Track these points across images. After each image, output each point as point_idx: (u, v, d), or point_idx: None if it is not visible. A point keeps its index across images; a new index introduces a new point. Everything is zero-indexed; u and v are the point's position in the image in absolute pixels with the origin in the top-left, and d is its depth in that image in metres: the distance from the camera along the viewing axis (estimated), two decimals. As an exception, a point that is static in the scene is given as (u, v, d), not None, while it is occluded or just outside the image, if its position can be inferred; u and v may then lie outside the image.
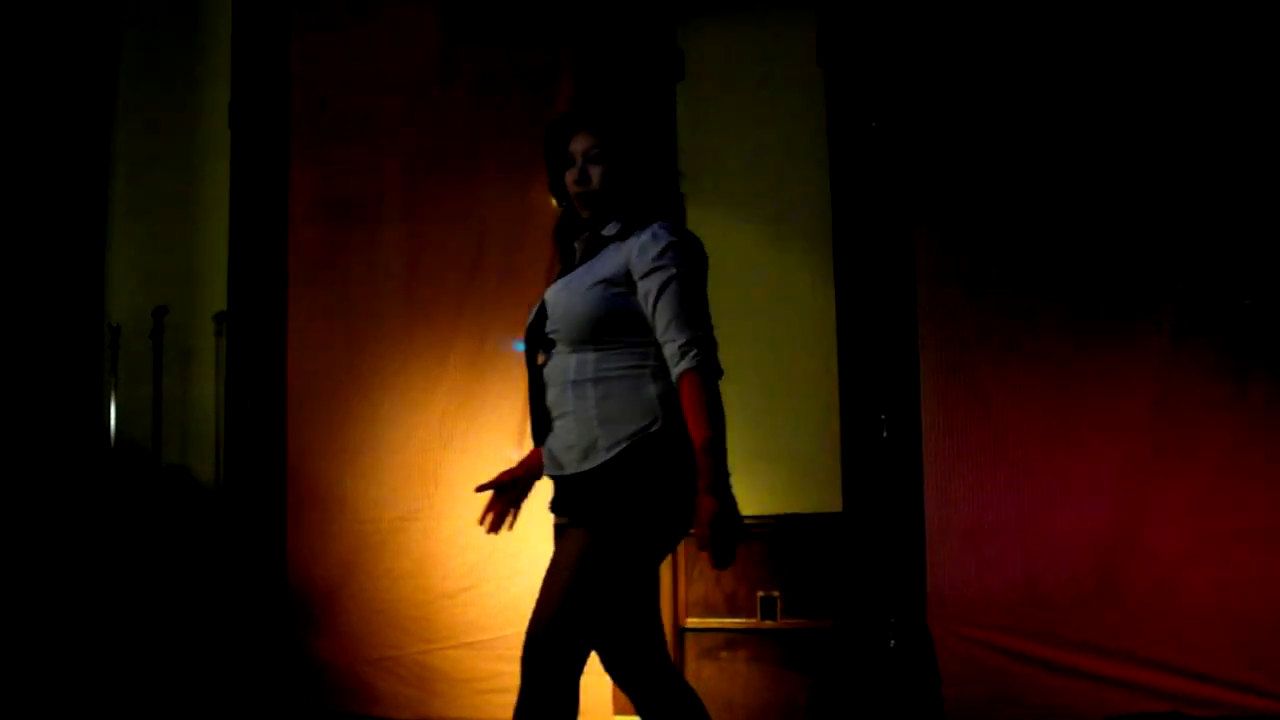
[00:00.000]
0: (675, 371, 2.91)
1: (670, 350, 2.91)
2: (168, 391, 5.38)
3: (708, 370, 2.91)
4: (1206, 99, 4.49)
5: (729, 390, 4.83)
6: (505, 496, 3.24)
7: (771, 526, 4.78)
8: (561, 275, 3.11)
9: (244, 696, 5.03)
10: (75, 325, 5.47)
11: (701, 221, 4.88)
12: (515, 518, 3.24)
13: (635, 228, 3.05)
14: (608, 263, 3.04)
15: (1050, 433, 4.55)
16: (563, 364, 3.01)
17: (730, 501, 2.86)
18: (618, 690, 4.73)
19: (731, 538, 2.85)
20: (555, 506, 3.08)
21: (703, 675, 4.79)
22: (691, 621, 4.83)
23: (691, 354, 2.89)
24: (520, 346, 4.85)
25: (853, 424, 4.72)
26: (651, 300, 2.96)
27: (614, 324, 2.98)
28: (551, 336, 3.02)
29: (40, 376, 5.31)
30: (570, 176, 3.05)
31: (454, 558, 4.81)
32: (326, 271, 5.17)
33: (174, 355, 5.39)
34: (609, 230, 3.07)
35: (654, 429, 2.90)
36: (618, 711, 4.78)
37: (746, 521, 4.68)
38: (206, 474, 5.36)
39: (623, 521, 2.88)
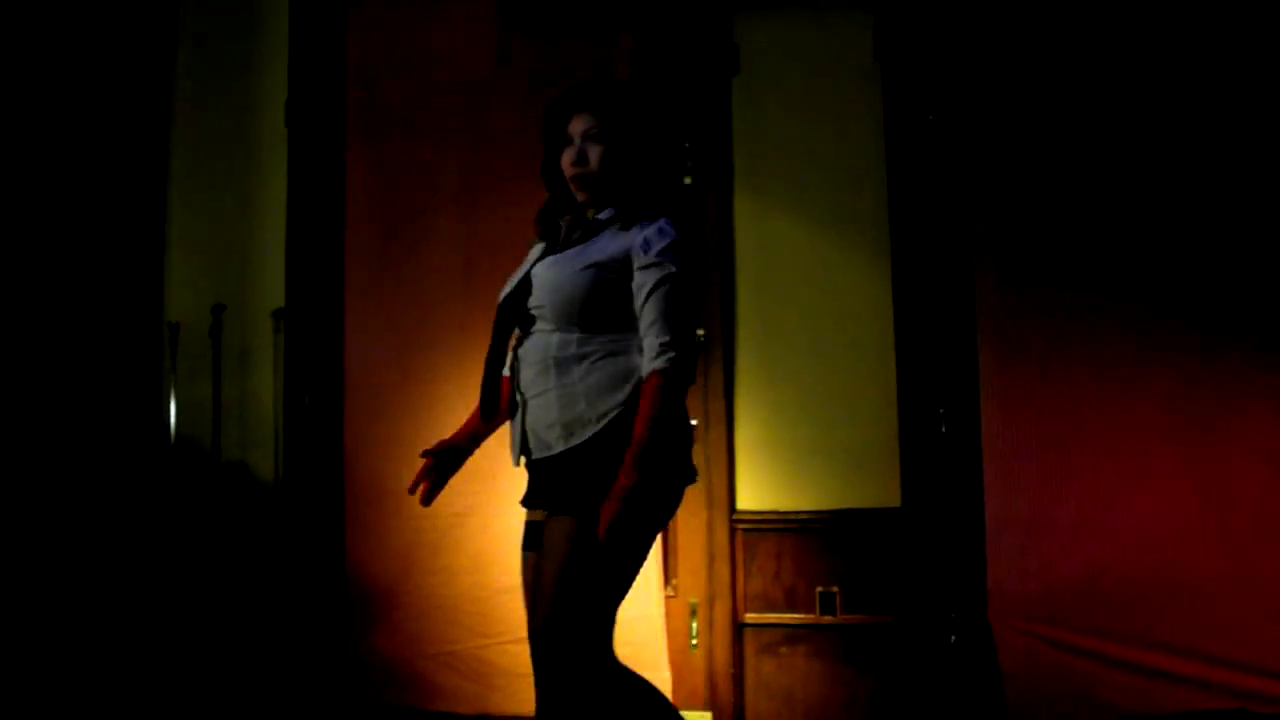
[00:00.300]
0: (647, 367, 2.98)
1: (649, 344, 2.99)
2: (226, 388, 5.40)
3: (676, 375, 2.96)
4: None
5: (788, 384, 4.88)
6: (442, 467, 3.28)
7: (830, 521, 4.78)
8: (547, 254, 3.14)
9: (304, 692, 5.06)
10: (135, 323, 5.51)
11: (757, 216, 4.96)
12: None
13: (637, 216, 3.08)
14: (604, 247, 3.07)
15: (1112, 427, 4.55)
16: (544, 342, 3.05)
17: (644, 484, 2.89)
18: (677, 684, 4.77)
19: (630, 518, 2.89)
20: (533, 498, 3.13)
21: (762, 670, 4.79)
22: (750, 617, 4.83)
23: (668, 355, 2.95)
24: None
25: (911, 418, 4.72)
26: (645, 293, 3.02)
27: (602, 307, 3.03)
28: (534, 313, 3.06)
29: (101, 374, 5.37)
30: (568, 157, 3.09)
31: (511, 553, 4.74)
32: (383, 268, 5.19)
33: (232, 352, 5.41)
34: (604, 215, 3.09)
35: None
36: (677, 707, 4.80)
37: (804, 516, 4.75)
38: (266, 470, 5.39)
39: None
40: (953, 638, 4.57)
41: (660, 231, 3.06)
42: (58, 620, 4.85)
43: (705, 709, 4.84)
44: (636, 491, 2.86)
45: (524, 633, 3.11)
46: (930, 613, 4.61)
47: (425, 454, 3.25)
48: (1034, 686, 4.47)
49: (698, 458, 4.81)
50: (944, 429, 4.66)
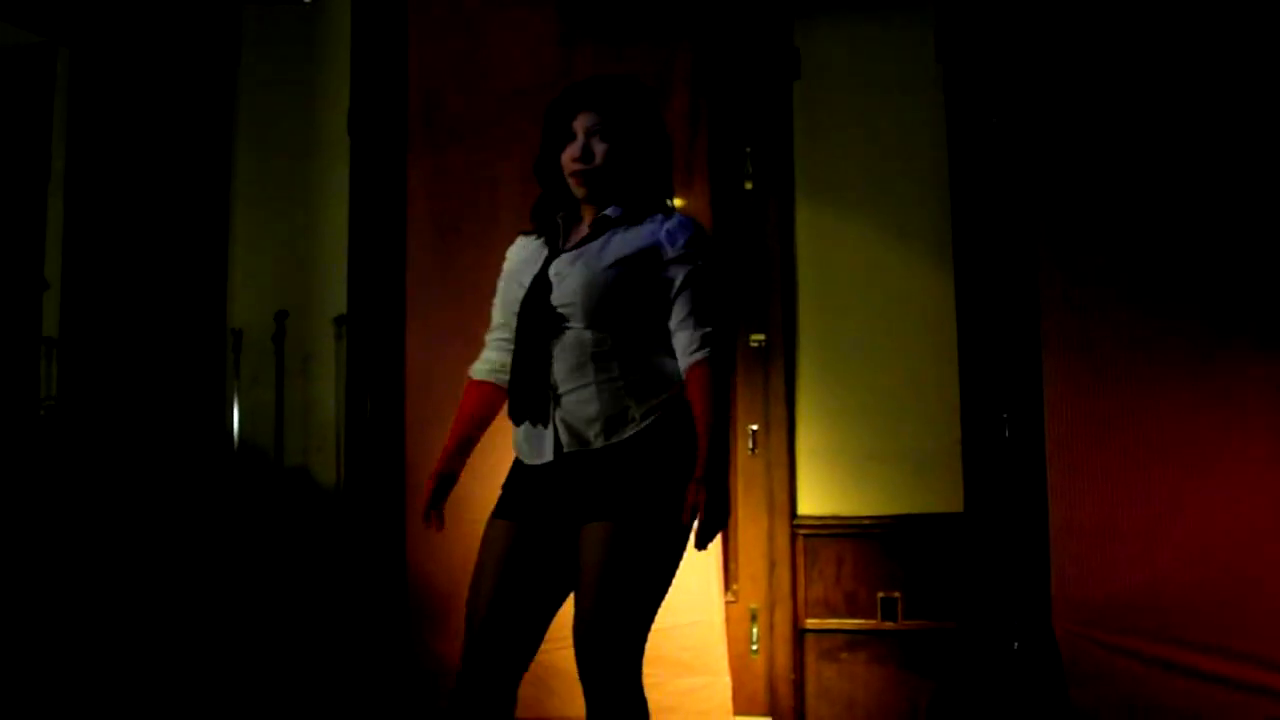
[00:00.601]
0: (689, 359, 2.99)
1: (685, 338, 3.00)
2: (289, 394, 5.47)
3: (720, 363, 2.96)
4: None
5: (849, 390, 4.87)
6: (443, 494, 3.38)
7: (891, 526, 4.78)
8: (553, 253, 3.11)
9: (363, 696, 5.10)
10: (199, 330, 5.59)
11: (818, 220, 4.97)
12: None
13: (648, 212, 3.10)
14: (623, 244, 3.07)
15: (1179, 434, 4.49)
16: (579, 338, 3.02)
17: (724, 492, 2.92)
18: (737, 690, 4.78)
19: (718, 528, 2.92)
20: (550, 499, 3.06)
21: (823, 676, 4.79)
22: (811, 622, 4.83)
23: (709, 346, 2.96)
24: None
25: (974, 423, 4.71)
26: (677, 286, 3.03)
27: (635, 304, 3.03)
28: (562, 311, 3.03)
29: (166, 381, 5.44)
30: (571, 152, 3.06)
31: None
32: (443, 273, 5.22)
33: (295, 358, 5.48)
34: (610, 212, 3.09)
35: (680, 395, 3.00)
36: (738, 712, 4.81)
37: (866, 522, 4.74)
38: (327, 475, 5.44)
39: (666, 496, 2.92)
40: (1016, 644, 4.55)
41: (681, 225, 3.09)
42: (123, 622, 4.91)
43: (765, 714, 4.85)
44: (717, 494, 2.87)
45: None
46: (993, 619, 4.59)
47: (427, 511, 3.40)
48: (1099, 694, 4.44)
49: (759, 463, 4.87)
50: (1007, 434, 4.64)
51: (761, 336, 4.99)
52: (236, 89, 5.77)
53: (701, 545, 2.96)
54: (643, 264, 3.04)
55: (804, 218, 5.02)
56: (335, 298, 5.46)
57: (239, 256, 5.72)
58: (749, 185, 5.07)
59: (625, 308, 3.02)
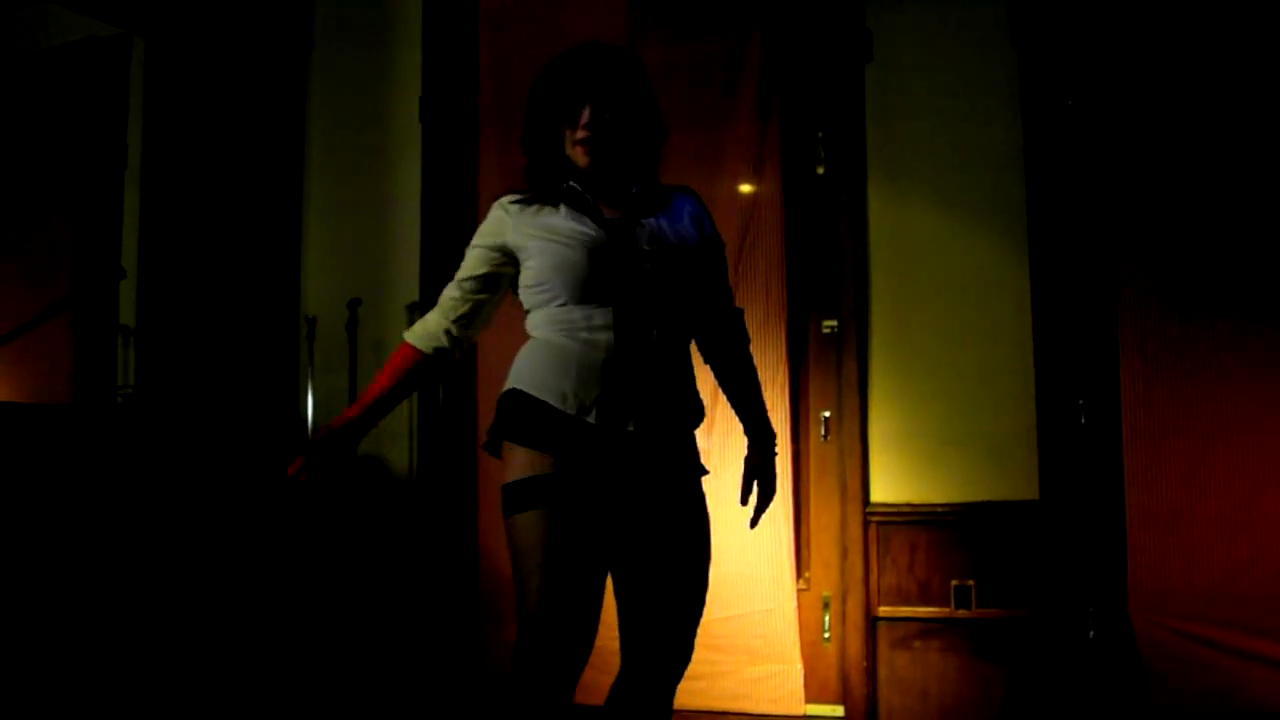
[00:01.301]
0: (738, 341, 3.21)
1: (728, 320, 3.21)
2: (362, 382, 5.53)
3: None
4: None
5: (922, 376, 4.88)
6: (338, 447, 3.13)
7: (965, 514, 4.77)
8: (603, 222, 3.02)
9: (436, 682, 5.17)
10: (273, 317, 5.69)
11: (891, 205, 4.97)
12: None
13: (663, 188, 3.16)
14: (688, 221, 3.14)
15: (1258, 420, 4.47)
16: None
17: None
18: (809, 678, 4.80)
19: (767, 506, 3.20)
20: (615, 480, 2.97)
21: (896, 664, 4.80)
22: (884, 610, 4.84)
23: (744, 328, 3.25)
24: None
25: (1049, 409, 4.69)
26: (717, 270, 3.20)
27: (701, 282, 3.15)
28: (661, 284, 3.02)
29: (241, 368, 5.54)
30: (582, 119, 2.99)
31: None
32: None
33: (368, 345, 5.54)
34: (645, 187, 3.12)
35: None
36: (809, 700, 4.84)
37: (939, 509, 4.75)
38: (401, 463, 5.51)
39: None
40: (1092, 633, 4.54)
41: (702, 204, 3.21)
42: (201, 608, 5.00)
43: (837, 703, 4.87)
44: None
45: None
46: (1068, 607, 4.59)
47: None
48: (1177, 684, 4.42)
49: (831, 450, 4.89)
50: (1083, 420, 4.63)
51: (834, 322, 5.00)
52: (309, 77, 5.86)
53: (754, 524, 3.15)
54: (703, 243, 3.11)
55: (876, 203, 5.01)
56: (408, 285, 5.54)
57: (312, 244, 5.80)
58: (821, 170, 5.08)
59: (699, 285, 3.12)
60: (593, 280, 2.94)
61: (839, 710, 4.86)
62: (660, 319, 2.98)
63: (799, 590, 4.90)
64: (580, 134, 3.01)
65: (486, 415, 5.14)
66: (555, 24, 5.39)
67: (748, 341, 3.25)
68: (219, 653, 5.01)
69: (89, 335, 5.82)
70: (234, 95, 5.64)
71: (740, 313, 3.24)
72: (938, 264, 4.93)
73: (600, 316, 2.94)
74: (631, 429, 2.93)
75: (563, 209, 3.03)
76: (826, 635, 4.92)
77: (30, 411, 5.14)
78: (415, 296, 5.47)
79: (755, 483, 3.21)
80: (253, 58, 5.70)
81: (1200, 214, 4.54)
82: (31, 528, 4.47)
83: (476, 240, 3.14)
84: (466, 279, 3.14)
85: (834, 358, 4.99)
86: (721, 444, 4.84)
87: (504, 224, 3.07)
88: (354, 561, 5.40)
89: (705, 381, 3.26)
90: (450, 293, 3.17)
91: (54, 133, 6.04)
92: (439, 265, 5.42)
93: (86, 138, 5.96)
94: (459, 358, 3.22)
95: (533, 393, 2.94)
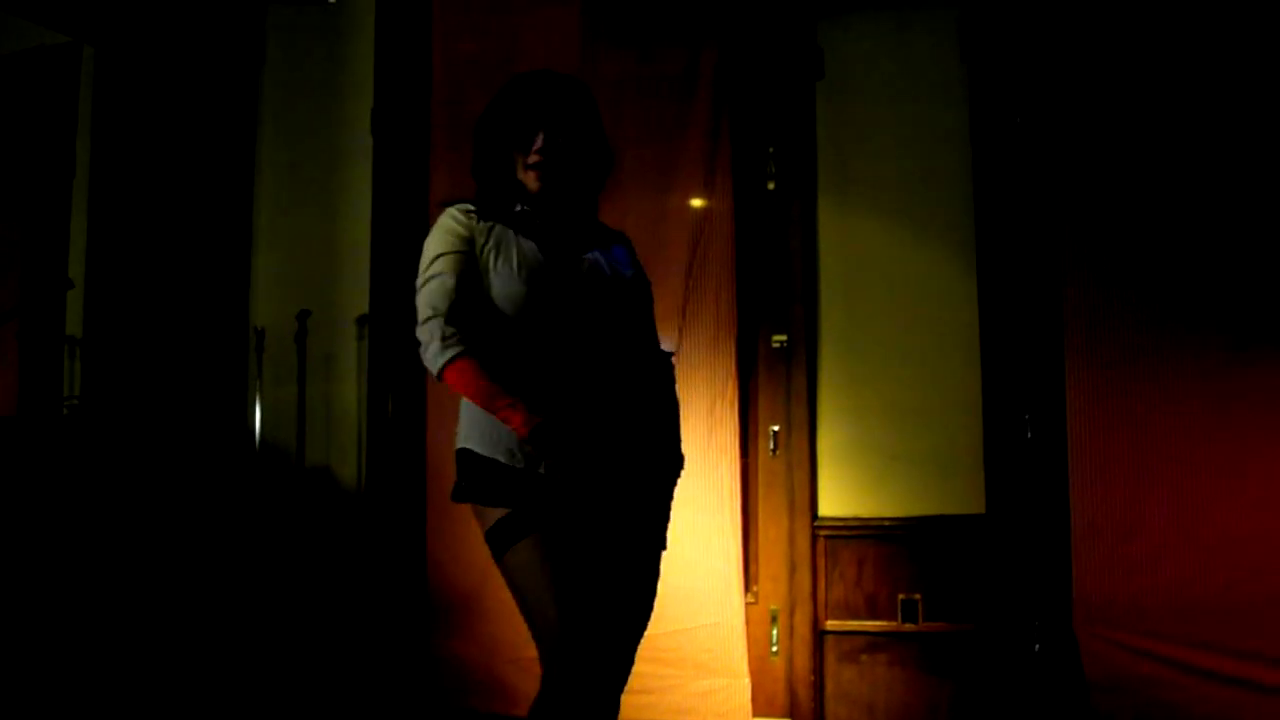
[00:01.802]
0: (665, 383, 3.21)
1: (656, 360, 3.20)
2: (311, 394, 5.53)
3: None
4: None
5: (871, 390, 4.91)
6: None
7: (913, 528, 4.82)
8: (548, 245, 3.05)
9: (384, 696, 5.16)
10: (222, 329, 5.67)
11: (841, 220, 5.02)
12: None
13: (600, 225, 3.25)
14: (617, 260, 3.19)
15: (1203, 437, 4.54)
16: (623, 352, 3.10)
17: None
18: (757, 692, 4.83)
19: None
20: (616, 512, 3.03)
21: (843, 678, 4.83)
22: (831, 624, 4.87)
23: None
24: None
25: (996, 424, 4.75)
26: (646, 310, 3.25)
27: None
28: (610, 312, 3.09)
29: (189, 379, 5.51)
30: (537, 143, 3.02)
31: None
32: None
33: (317, 358, 5.54)
34: (592, 219, 3.21)
35: None
36: (757, 714, 4.86)
37: (887, 523, 4.78)
38: (349, 475, 5.51)
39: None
40: (1037, 646, 4.59)
41: (633, 250, 3.29)
42: (143, 621, 4.97)
43: (785, 716, 4.90)
44: None
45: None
46: (1014, 621, 4.64)
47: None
48: (1121, 699, 4.48)
49: (780, 464, 4.92)
50: (1029, 434, 4.68)
51: (783, 337, 5.03)
52: (260, 89, 5.86)
53: None
54: (636, 281, 3.23)
55: (826, 218, 5.06)
56: (358, 297, 5.54)
57: (262, 256, 5.79)
58: (771, 185, 5.12)
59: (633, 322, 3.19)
60: (536, 308, 2.98)
61: (786, 724, 4.90)
62: (605, 351, 3.03)
63: (747, 604, 4.92)
64: (533, 158, 3.04)
65: (436, 428, 5.20)
66: (510, 37, 5.41)
67: (674, 384, 3.26)
68: (165, 664, 4.98)
69: (35, 346, 5.78)
70: (184, 105, 5.62)
71: (669, 355, 3.25)
72: (888, 278, 4.98)
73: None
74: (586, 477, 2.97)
75: (509, 233, 3.03)
76: (774, 649, 4.94)
77: (-27, 422, 5.11)
78: (365, 309, 5.47)
79: None
80: (204, 68, 5.69)
81: (1143, 228, 4.60)
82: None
83: (446, 248, 3.00)
84: (454, 285, 2.97)
85: (783, 372, 5.03)
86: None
87: (470, 229, 3.02)
88: (303, 573, 5.39)
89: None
90: (447, 302, 2.98)
91: (1, 141, 6.00)
92: (390, 277, 5.43)
93: (34, 146, 5.93)
94: None
95: (482, 452, 2.97)
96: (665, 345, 4.85)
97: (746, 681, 4.86)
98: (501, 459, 2.94)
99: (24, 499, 4.68)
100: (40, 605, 4.64)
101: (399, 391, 5.40)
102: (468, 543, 5.18)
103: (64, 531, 4.79)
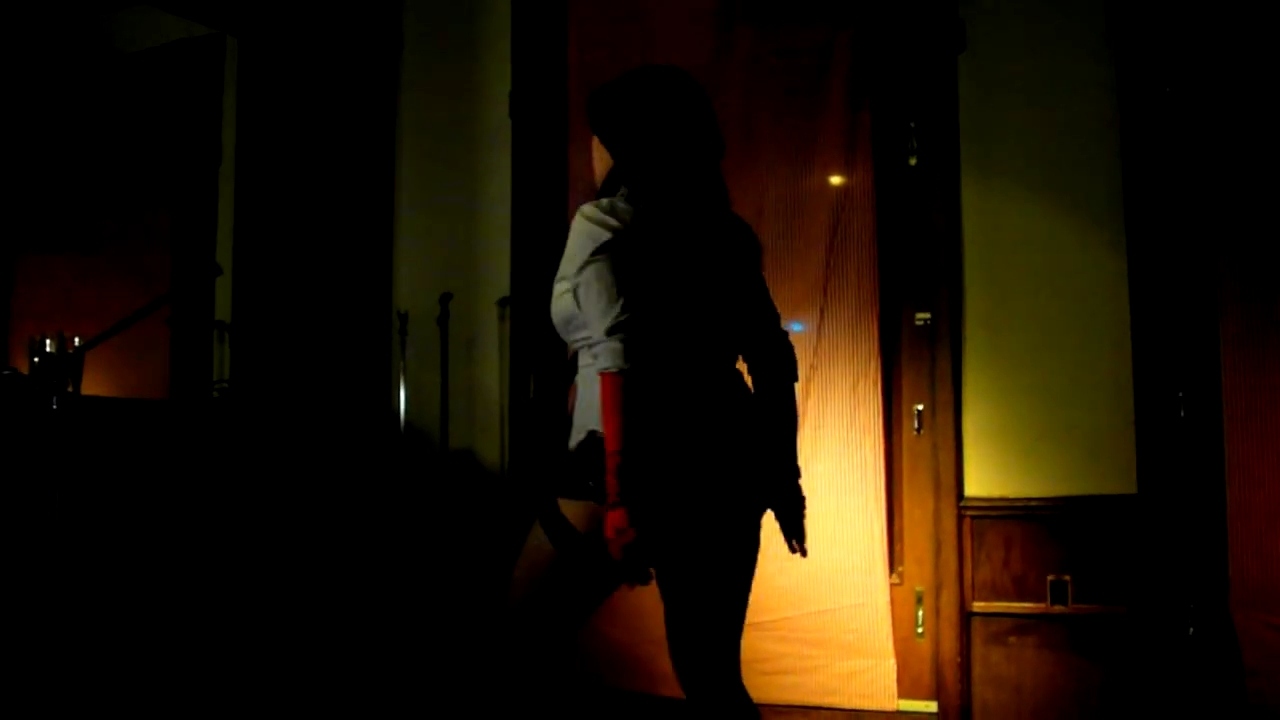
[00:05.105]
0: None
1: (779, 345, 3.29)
2: (454, 376, 5.62)
3: None
4: None
5: (1017, 368, 4.87)
6: None
7: (1061, 508, 4.78)
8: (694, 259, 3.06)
9: (524, 677, 5.23)
10: (366, 312, 5.80)
11: (985, 195, 4.97)
12: None
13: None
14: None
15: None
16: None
17: None
18: (902, 673, 4.83)
19: None
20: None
21: (990, 660, 4.81)
22: (978, 605, 4.85)
23: None
24: (799, 327, 4.98)
25: (1148, 402, 4.68)
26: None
27: None
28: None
29: (334, 363, 5.65)
30: (697, 145, 3.11)
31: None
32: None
33: (459, 341, 5.64)
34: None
35: None
36: (902, 696, 4.87)
37: (1035, 503, 4.75)
38: (492, 458, 5.59)
39: None
40: (1191, 630, 4.53)
41: None
42: (292, 601, 5.11)
43: (930, 699, 4.89)
44: None
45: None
46: (1167, 603, 4.58)
47: None
48: (1278, 682, 4.39)
49: (925, 444, 4.91)
50: (1183, 413, 4.61)
51: (927, 315, 5.01)
52: (399, 75, 5.97)
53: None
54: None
55: (969, 193, 5.02)
56: (499, 280, 5.63)
57: (404, 240, 5.91)
58: (913, 161, 5.10)
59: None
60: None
61: (932, 706, 4.89)
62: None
63: (892, 585, 4.94)
64: (693, 160, 3.09)
65: (577, 409, 5.26)
66: (644, 18, 5.47)
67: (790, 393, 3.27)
68: (314, 640, 5.11)
69: (186, 331, 5.97)
70: (326, 93, 5.75)
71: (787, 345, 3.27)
72: (1033, 254, 4.93)
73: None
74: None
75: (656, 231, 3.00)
76: (919, 630, 4.94)
77: (128, 406, 5.28)
78: (506, 291, 5.57)
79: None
80: (344, 55, 5.82)
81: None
82: (129, 523, 4.60)
83: (604, 251, 2.89)
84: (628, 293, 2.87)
85: (927, 350, 5.01)
86: (813, 436, 4.88)
87: (621, 232, 2.92)
88: (448, 556, 5.48)
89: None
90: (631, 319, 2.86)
91: (151, 132, 6.20)
92: (530, 260, 5.52)
93: (182, 136, 6.13)
94: None
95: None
96: (806, 324, 4.94)
97: (892, 663, 4.88)
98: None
99: (176, 481, 4.83)
100: (196, 583, 4.79)
101: (541, 373, 5.48)
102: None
103: (216, 513, 4.93)
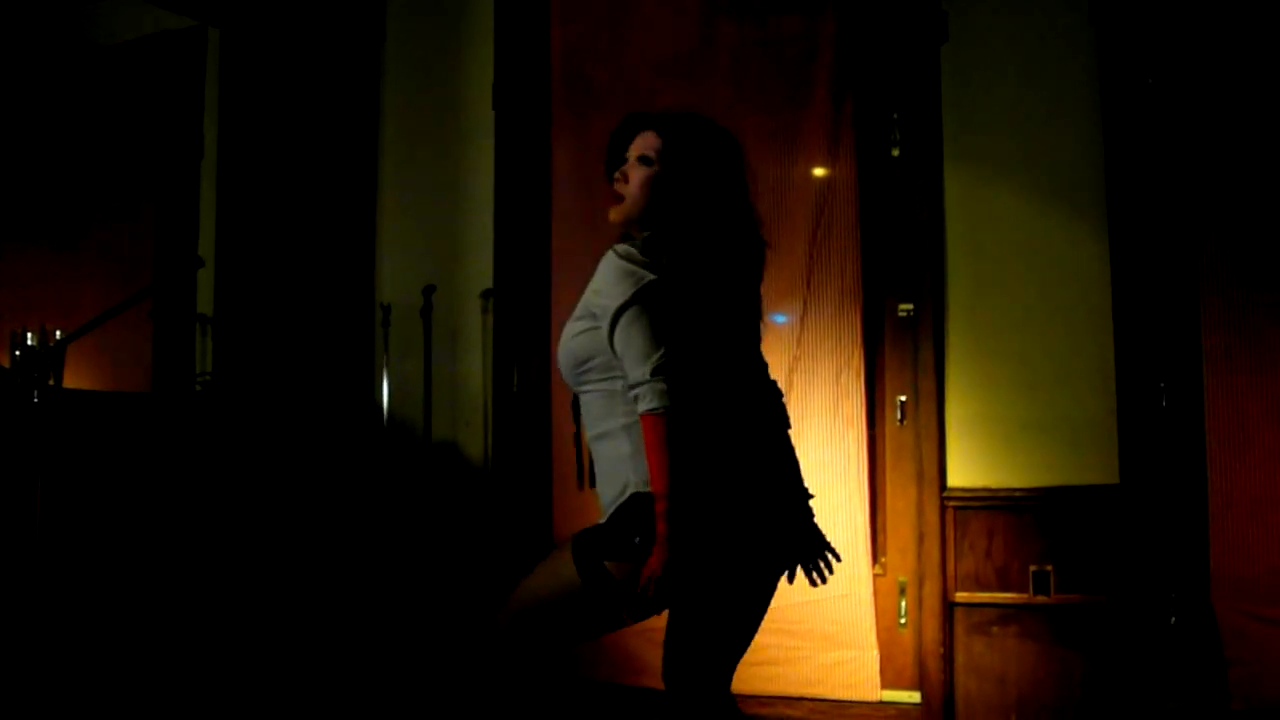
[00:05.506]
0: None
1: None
2: (437, 368, 5.63)
3: None
4: None
5: (1000, 359, 4.88)
6: None
7: (1044, 498, 4.79)
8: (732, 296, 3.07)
9: (509, 669, 5.23)
10: (349, 305, 5.80)
11: (967, 187, 4.99)
12: None
13: None
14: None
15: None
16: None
17: None
18: (885, 664, 4.85)
19: None
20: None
21: (973, 651, 4.83)
22: (961, 596, 4.87)
23: None
24: (782, 319, 4.98)
25: (1130, 393, 4.70)
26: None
27: None
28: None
29: (317, 355, 5.65)
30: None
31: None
32: (589, 245, 5.31)
33: (442, 333, 5.64)
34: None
35: None
36: (885, 686, 4.88)
37: (1018, 494, 4.75)
38: (475, 450, 5.60)
39: None
40: (1173, 619, 4.54)
41: None
42: (273, 592, 5.10)
43: (914, 689, 4.91)
44: None
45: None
46: (1149, 593, 4.60)
47: None
48: (1259, 672, 4.43)
49: (907, 435, 4.91)
50: (1165, 403, 4.62)
51: (909, 305, 5.02)
52: (382, 67, 5.95)
53: None
54: None
55: (952, 184, 5.02)
56: (482, 272, 5.64)
57: (387, 232, 5.91)
58: (896, 152, 5.10)
59: None
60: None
61: (915, 696, 4.91)
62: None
63: (875, 575, 4.95)
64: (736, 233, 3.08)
65: (561, 401, 5.25)
66: (627, 7, 5.45)
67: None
68: (301, 630, 5.11)
69: (168, 324, 5.95)
70: (308, 85, 5.74)
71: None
72: (1015, 245, 4.94)
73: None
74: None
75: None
76: (903, 621, 4.95)
77: (110, 400, 5.27)
78: (489, 283, 5.57)
79: None
80: (326, 48, 5.81)
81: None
82: (112, 517, 4.59)
83: (645, 294, 2.86)
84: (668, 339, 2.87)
85: (910, 341, 5.02)
86: (796, 427, 4.88)
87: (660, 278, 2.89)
88: (430, 547, 5.49)
89: (777, 368, 3.30)
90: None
91: (132, 124, 6.18)
92: (513, 251, 5.52)
93: (164, 129, 6.10)
94: None
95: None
96: (789, 316, 4.94)
97: (875, 653, 4.89)
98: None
99: (159, 474, 4.82)
100: (179, 576, 4.79)
101: (525, 365, 5.49)
102: (593, 517, 5.26)
103: (199, 505, 4.92)
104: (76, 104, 6.28)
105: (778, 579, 3.03)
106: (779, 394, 3.15)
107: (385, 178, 5.92)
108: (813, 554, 3.10)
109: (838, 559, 3.15)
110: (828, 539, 3.12)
